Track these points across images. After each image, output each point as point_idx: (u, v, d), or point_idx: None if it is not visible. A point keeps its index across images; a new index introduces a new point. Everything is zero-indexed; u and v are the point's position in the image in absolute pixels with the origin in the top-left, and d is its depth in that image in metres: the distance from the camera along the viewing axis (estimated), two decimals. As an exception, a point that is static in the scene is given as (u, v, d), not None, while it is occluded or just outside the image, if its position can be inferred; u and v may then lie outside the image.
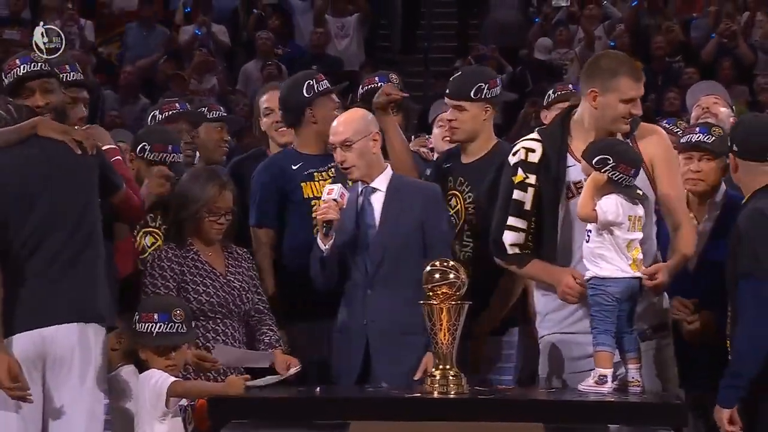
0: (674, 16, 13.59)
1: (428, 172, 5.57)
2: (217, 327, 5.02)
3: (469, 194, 5.30)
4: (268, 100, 5.86)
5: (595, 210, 4.53)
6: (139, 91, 12.49)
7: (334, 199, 4.92)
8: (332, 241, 4.96)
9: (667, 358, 4.79)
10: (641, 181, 4.67)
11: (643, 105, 4.77)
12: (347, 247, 5.03)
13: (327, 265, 5.00)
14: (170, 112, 5.88)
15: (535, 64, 13.30)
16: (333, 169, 5.43)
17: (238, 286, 5.08)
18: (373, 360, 4.97)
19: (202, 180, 5.07)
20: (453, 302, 4.46)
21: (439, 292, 4.46)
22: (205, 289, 5.02)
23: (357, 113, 5.17)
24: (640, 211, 4.61)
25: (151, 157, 5.34)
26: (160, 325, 4.67)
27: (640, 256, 4.58)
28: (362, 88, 6.11)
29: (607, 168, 4.55)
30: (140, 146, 5.38)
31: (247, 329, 5.15)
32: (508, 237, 4.75)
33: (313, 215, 5.11)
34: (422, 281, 4.51)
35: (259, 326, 5.13)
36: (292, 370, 4.91)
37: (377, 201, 5.05)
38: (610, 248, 4.55)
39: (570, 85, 6.46)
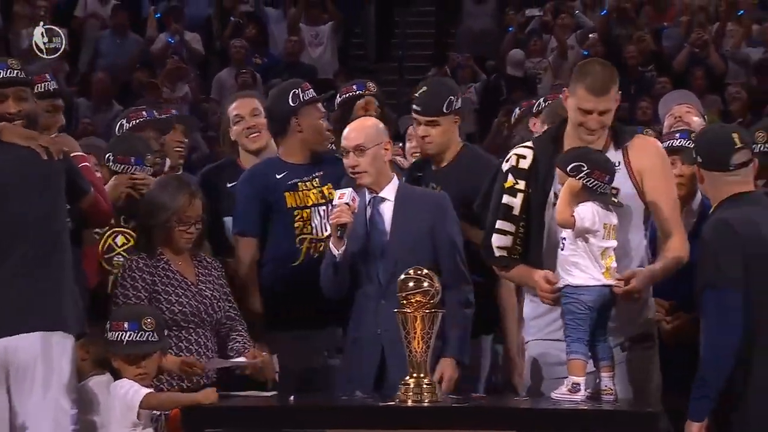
0: (646, 25, 13.64)
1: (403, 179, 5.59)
2: (189, 336, 4.99)
3: None
4: (238, 107, 5.83)
5: (573, 216, 4.54)
6: (112, 98, 12.44)
7: (347, 203, 4.91)
8: (345, 246, 4.94)
9: (651, 368, 4.80)
10: (628, 190, 4.71)
11: (616, 114, 4.78)
12: (358, 258, 5.01)
13: (339, 271, 4.98)
14: (137, 121, 5.86)
15: (510, 73, 13.30)
16: (317, 179, 5.42)
17: (210, 295, 5.06)
18: (389, 369, 4.93)
19: (171, 189, 5.05)
20: (427, 310, 4.47)
21: (413, 301, 4.48)
22: (177, 299, 4.99)
23: (371, 120, 5.22)
24: (614, 219, 4.62)
25: (114, 168, 5.39)
26: (130, 334, 4.65)
27: (614, 264, 4.59)
28: (340, 96, 6.10)
29: (581, 175, 4.56)
30: (107, 155, 5.44)
31: (218, 338, 5.11)
32: (496, 240, 4.80)
33: (328, 220, 5.07)
34: (396, 290, 4.52)
35: (230, 333, 5.11)
36: (269, 392, 4.90)
37: (387, 211, 5.05)
38: (584, 256, 4.56)
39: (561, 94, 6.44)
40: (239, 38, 13.48)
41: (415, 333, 4.45)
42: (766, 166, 4.90)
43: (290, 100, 5.45)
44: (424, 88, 5.40)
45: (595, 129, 4.71)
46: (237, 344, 5.07)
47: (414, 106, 5.38)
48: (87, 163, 5.11)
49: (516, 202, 4.75)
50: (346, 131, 5.12)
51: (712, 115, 10.05)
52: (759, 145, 4.95)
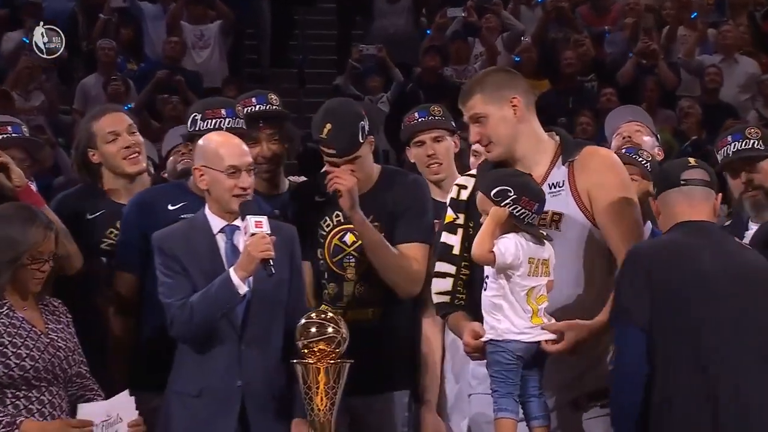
0: (584, 28, 13.72)
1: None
2: (42, 397, 4.85)
3: (373, 223, 5.25)
4: (112, 123, 5.59)
5: (492, 252, 4.48)
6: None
7: (269, 233, 4.86)
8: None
9: (608, 428, 4.73)
10: (574, 214, 4.67)
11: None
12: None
13: (232, 310, 4.89)
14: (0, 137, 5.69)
15: (429, 82, 13.25)
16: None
17: (63, 347, 4.93)
18: (252, 426, 4.87)
19: (20, 221, 4.88)
20: (332, 361, 4.41)
21: (315, 349, 4.41)
22: (28, 352, 4.84)
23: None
24: (544, 253, 4.56)
25: None
26: None
27: (545, 304, 4.54)
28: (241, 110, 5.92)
29: (507, 201, 4.51)
30: None
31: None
32: (435, 285, 4.80)
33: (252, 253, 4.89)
34: (296, 336, 4.46)
35: (83, 392, 5.00)
36: None
37: (241, 242, 4.95)
38: (507, 298, 4.51)
39: None
40: (109, 38, 13.33)
41: (318, 387, 4.38)
42: (749, 160, 5.29)
43: (188, 123, 5.35)
44: (329, 126, 5.18)
45: (479, 142, 4.69)
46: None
47: (325, 149, 5.22)
48: None
49: (455, 239, 4.75)
50: (236, 148, 5.02)
51: (666, 133, 10.13)
52: (752, 140, 5.30)
